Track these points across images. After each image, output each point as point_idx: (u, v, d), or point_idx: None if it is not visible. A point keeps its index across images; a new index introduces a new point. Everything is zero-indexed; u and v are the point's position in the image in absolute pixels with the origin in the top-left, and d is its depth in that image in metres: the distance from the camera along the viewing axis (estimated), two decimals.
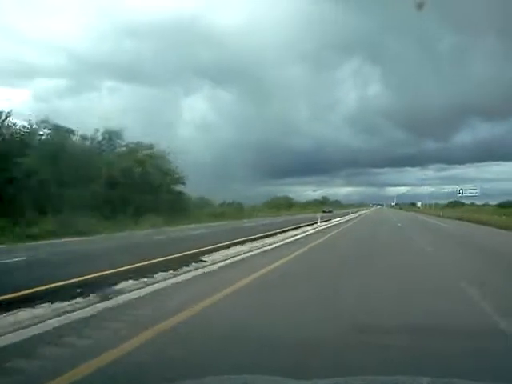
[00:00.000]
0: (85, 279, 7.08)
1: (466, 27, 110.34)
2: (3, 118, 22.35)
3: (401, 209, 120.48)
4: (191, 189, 37.18)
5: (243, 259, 10.01)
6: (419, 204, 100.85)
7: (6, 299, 5.65)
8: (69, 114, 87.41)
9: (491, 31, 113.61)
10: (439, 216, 47.19)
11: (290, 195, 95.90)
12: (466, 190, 56.25)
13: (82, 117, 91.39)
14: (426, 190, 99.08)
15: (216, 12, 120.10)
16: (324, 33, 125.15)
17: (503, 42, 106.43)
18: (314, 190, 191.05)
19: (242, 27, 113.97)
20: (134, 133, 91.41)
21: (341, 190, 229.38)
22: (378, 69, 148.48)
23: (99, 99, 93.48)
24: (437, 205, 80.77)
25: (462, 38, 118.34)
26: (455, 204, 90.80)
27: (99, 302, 5.48)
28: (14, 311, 4.99)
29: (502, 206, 52.36)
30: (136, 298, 5.75)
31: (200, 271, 8.08)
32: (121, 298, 5.69)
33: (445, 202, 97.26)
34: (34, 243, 14.78)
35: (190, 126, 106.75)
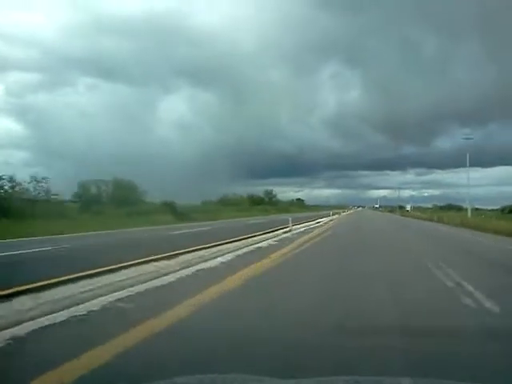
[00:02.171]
0: None
1: (446, 32, 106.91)
2: None
3: (391, 211, 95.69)
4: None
5: None
6: (408, 207, 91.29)
7: None
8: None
9: (471, 37, 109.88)
10: None
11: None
12: None
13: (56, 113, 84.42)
14: (408, 193, 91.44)
15: (197, 11, 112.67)
16: (305, 35, 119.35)
17: (483, 48, 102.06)
18: (296, 191, 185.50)
19: (222, 27, 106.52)
20: (110, 132, 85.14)
21: (322, 192, 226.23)
22: (358, 72, 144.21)
23: (75, 96, 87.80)
24: (429, 208, 72.71)
25: (441, 43, 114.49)
26: (450, 207, 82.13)
27: None
28: None
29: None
30: None
31: None
32: None
33: (428, 205, 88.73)
34: None
35: (168, 126, 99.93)
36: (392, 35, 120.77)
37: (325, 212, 58.12)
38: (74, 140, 78.01)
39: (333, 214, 45.91)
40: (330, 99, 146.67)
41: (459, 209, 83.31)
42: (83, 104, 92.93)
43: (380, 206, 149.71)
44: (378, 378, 1.96)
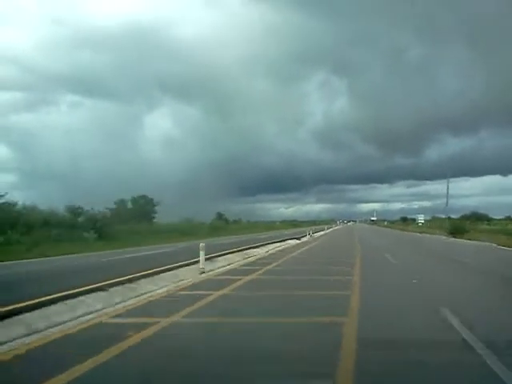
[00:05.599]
0: None
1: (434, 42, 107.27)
2: None
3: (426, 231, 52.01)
4: None
5: None
6: (421, 218, 77.97)
7: None
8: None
9: (460, 45, 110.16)
10: None
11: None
12: None
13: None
14: (397, 206, 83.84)
15: (179, 24, 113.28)
16: (289, 45, 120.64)
17: (472, 56, 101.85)
18: (286, 208, 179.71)
19: (205, 40, 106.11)
20: (96, 151, 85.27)
21: (313, 208, 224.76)
22: (345, 83, 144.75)
23: (58, 114, 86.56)
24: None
25: (430, 52, 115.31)
26: (477, 218, 68.56)
27: None
28: None
29: None
30: None
31: None
32: None
33: (428, 217, 79.69)
34: None
35: (153, 143, 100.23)
36: (380, 44, 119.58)
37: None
38: (60, 160, 77.73)
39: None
40: (317, 111, 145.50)
41: (488, 219, 76.09)
42: (67, 122, 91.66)
43: (376, 219, 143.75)
44: None
